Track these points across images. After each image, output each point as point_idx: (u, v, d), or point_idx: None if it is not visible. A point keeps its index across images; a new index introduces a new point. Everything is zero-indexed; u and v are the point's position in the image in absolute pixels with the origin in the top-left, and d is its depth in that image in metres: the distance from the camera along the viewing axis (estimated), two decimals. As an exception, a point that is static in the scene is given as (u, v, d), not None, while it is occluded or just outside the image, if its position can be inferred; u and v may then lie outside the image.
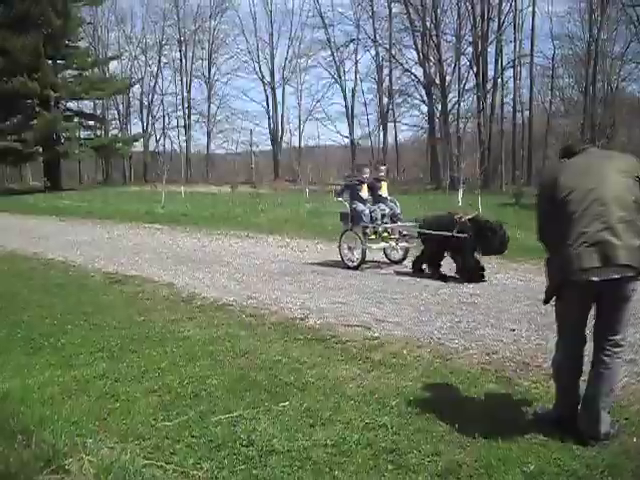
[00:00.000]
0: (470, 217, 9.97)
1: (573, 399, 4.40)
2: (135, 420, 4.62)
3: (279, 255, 13.32)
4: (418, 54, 51.26)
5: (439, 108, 50.39)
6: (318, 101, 64.16)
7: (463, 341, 6.59)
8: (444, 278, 10.02)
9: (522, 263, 11.16)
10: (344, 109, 57.83)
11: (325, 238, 15.67)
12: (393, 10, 52.75)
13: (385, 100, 55.06)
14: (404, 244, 11.74)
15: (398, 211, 11.93)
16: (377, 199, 12.00)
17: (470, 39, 48.85)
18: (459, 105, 49.68)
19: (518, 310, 7.95)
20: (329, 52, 57.37)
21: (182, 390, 5.21)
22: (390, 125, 55.88)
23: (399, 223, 11.80)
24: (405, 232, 11.70)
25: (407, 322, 7.40)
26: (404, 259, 11.78)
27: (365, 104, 59.23)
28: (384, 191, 12.17)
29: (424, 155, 53.71)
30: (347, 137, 58.17)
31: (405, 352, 6.19)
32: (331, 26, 57.78)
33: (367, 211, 11.57)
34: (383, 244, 11.64)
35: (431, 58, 50.42)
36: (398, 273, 10.85)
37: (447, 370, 5.66)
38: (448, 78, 49.77)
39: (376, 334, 6.87)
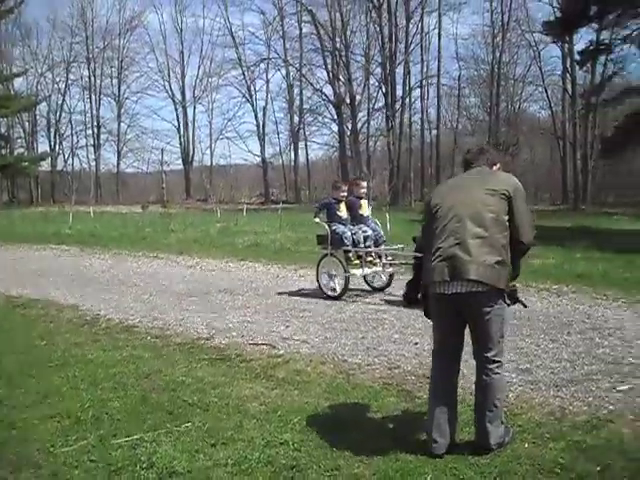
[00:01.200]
0: None
1: (444, 416, 4.32)
2: (31, 448, 4.49)
3: (187, 275, 13.22)
4: (328, 74, 52.19)
5: (349, 127, 51.28)
6: (229, 120, 64.45)
7: (366, 357, 6.69)
8: None
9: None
10: (255, 128, 58.27)
11: (235, 257, 15.68)
12: (303, 30, 53.75)
13: (296, 119, 55.74)
14: (389, 269, 10.71)
15: (381, 233, 10.77)
16: (358, 219, 10.77)
17: (379, 60, 50.00)
18: (369, 124, 50.74)
19: (422, 324, 8.08)
20: (240, 71, 57.95)
21: (82, 414, 5.10)
22: (301, 144, 56.59)
23: (383, 246, 10.69)
24: (390, 257, 10.66)
25: (312, 339, 7.48)
26: (388, 286, 10.79)
27: (276, 123, 59.94)
28: (365, 210, 10.97)
29: (335, 173, 54.36)
30: (258, 156, 58.53)
31: (309, 369, 6.25)
32: (242, 45, 58.40)
33: (349, 233, 10.34)
34: (367, 270, 10.44)
35: (341, 77, 51.37)
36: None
37: (349, 386, 5.73)
38: (358, 97, 50.83)
39: (281, 352, 6.91)
